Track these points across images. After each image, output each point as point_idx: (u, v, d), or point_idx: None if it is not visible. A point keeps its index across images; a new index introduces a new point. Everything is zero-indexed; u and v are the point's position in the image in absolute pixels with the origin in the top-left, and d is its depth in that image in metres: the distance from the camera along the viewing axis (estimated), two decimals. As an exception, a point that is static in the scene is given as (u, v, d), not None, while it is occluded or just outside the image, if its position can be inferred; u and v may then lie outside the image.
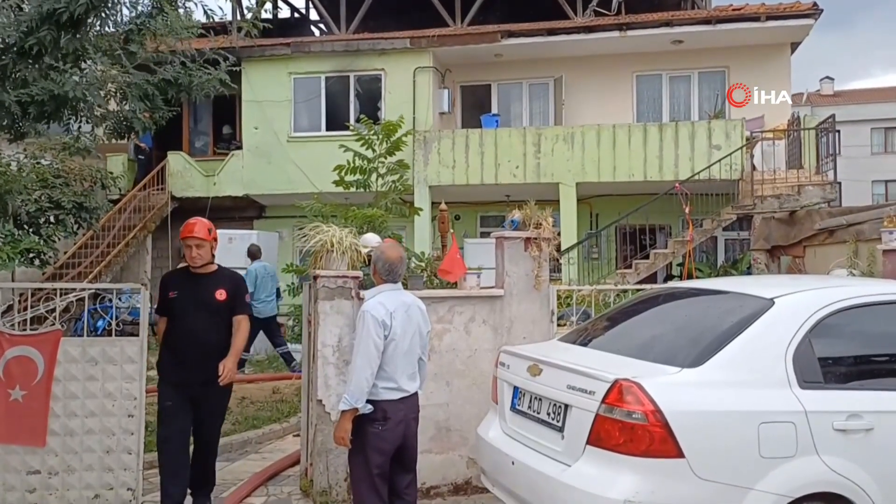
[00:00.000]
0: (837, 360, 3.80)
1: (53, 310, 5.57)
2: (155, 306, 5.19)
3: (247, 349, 8.95)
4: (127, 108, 6.66)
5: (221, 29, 16.69)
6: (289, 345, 12.03)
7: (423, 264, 7.62)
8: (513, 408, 4.29)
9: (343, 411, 3.99)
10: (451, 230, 8.00)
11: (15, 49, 5.15)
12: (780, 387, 3.49)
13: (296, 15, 21.26)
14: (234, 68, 7.51)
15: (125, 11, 6.23)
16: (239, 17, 17.42)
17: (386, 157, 8.87)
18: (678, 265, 14.14)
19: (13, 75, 5.47)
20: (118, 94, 6.68)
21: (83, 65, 6.00)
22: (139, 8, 6.37)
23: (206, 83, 6.81)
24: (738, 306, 3.90)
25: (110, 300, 11.86)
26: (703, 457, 3.32)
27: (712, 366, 3.51)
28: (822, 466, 3.40)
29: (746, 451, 3.35)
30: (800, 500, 3.37)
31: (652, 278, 13.47)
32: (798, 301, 3.80)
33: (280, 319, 13.82)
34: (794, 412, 3.43)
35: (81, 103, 5.69)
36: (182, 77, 6.63)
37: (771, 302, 3.76)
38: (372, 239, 5.72)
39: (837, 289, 3.97)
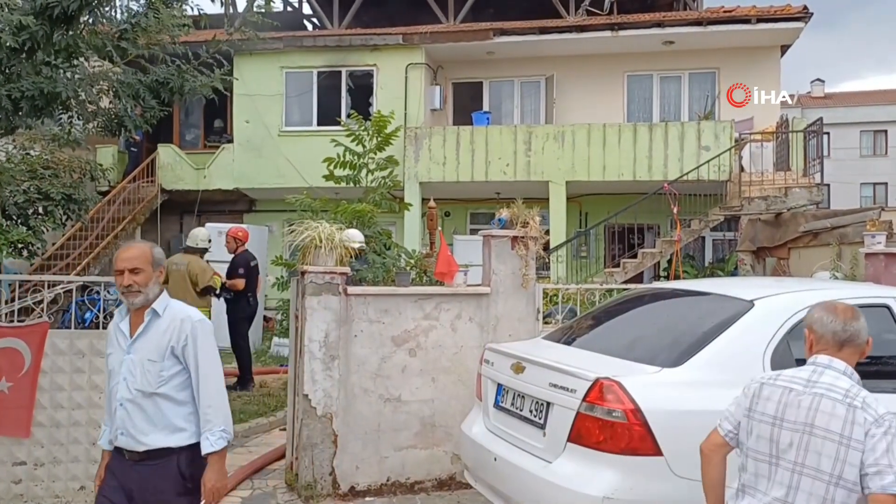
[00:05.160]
0: (814, 362, 3.86)
1: (41, 301, 5.58)
2: None
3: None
4: (119, 105, 6.67)
5: (215, 24, 16.65)
6: (276, 339, 12.06)
7: (412, 261, 7.68)
8: (496, 405, 4.34)
9: (218, 451, 3.04)
10: (440, 227, 8.05)
11: (8, 45, 5.15)
12: (757, 387, 3.55)
13: (288, 9, 21.21)
14: (227, 77, 7.50)
15: (118, 12, 6.24)
16: (232, 10, 17.39)
17: (376, 153, 8.91)
18: (664, 268, 14.24)
19: (6, 70, 5.47)
20: (110, 92, 6.68)
21: (75, 62, 6.01)
22: (133, 7, 6.38)
23: (200, 87, 6.81)
24: (719, 307, 3.97)
25: (98, 292, 11.84)
26: (680, 455, 3.37)
27: (692, 366, 3.58)
28: (797, 466, 3.46)
29: (723, 450, 3.41)
30: (775, 498, 3.44)
31: (638, 278, 13.55)
32: (777, 303, 3.87)
33: (268, 314, 13.88)
34: (770, 412, 3.49)
35: (72, 101, 5.70)
36: (174, 80, 6.63)
37: (751, 304, 3.83)
38: (355, 235, 5.74)
39: (816, 291, 4.03)
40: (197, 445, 3.06)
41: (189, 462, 3.06)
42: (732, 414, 2.65)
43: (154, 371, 3.03)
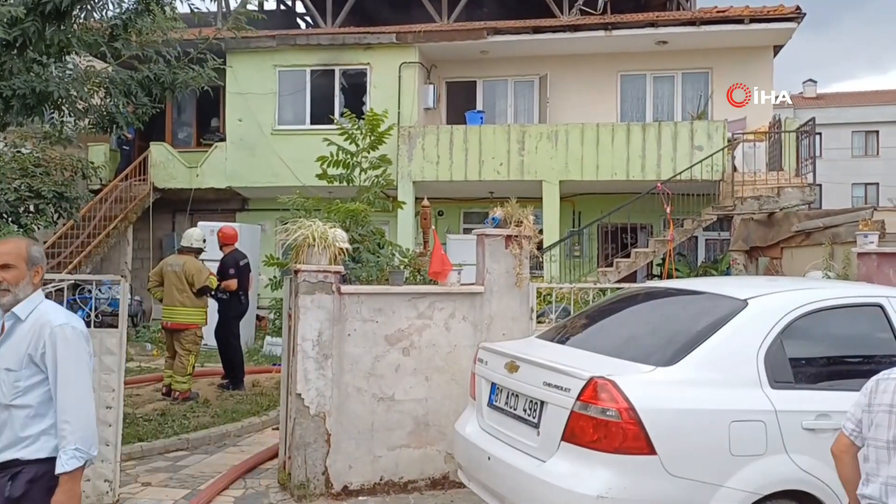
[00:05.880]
0: (808, 361, 3.87)
1: (32, 300, 5.53)
2: (136, 298, 5.13)
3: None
4: (110, 102, 6.61)
5: (206, 23, 16.60)
6: (269, 338, 12.03)
7: (406, 260, 7.66)
8: (490, 404, 4.34)
9: (70, 472, 2.70)
10: (433, 227, 8.03)
11: (-1, 39, 5.11)
12: (751, 386, 3.56)
13: (282, 7, 21.17)
14: (220, 67, 7.46)
15: (110, 7, 6.18)
16: (224, 8, 17.35)
17: (369, 152, 8.88)
18: (657, 265, 14.25)
19: (-3, 66, 5.43)
20: (101, 89, 6.63)
21: (67, 58, 5.96)
22: (125, 4, 6.31)
23: (192, 80, 6.77)
24: (713, 307, 3.97)
25: (90, 291, 11.77)
26: (674, 454, 3.38)
27: (686, 365, 3.58)
28: (790, 465, 3.47)
29: (717, 449, 3.42)
30: (769, 497, 3.45)
31: (632, 277, 13.56)
32: (770, 302, 3.88)
33: (261, 313, 13.84)
34: (764, 411, 3.50)
35: (63, 100, 5.65)
36: (165, 75, 6.58)
37: (744, 303, 3.83)
38: (340, 235, 5.72)
39: (809, 291, 4.04)
40: (50, 461, 2.73)
41: (31, 477, 2.73)
42: (853, 414, 2.83)
43: (9, 381, 2.76)
